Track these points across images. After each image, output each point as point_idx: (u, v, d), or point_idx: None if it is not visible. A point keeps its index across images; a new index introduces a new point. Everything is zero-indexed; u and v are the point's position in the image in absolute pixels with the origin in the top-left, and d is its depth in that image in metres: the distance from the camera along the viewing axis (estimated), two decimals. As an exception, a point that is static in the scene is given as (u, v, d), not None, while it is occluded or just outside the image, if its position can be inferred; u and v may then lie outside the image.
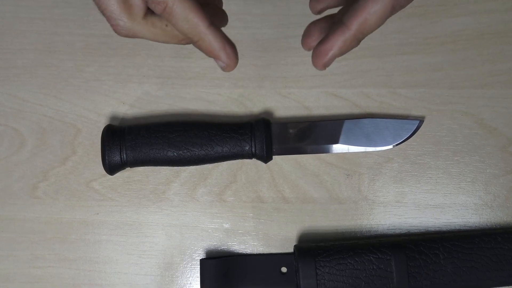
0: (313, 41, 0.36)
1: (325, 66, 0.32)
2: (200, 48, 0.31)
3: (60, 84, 0.48)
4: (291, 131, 0.45)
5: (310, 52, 0.46)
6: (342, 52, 0.31)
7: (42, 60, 0.48)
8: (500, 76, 0.47)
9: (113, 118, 0.48)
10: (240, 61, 0.46)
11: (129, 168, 0.45)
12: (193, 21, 0.30)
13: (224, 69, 0.32)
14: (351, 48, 0.32)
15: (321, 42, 0.32)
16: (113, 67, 0.48)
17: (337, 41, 0.31)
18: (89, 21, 0.49)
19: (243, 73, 0.48)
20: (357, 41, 0.31)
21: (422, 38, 0.48)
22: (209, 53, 0.31)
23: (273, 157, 0.45)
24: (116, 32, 0.31)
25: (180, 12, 0.29)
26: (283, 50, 0.48)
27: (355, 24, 0.30)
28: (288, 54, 0.48)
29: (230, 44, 0.31)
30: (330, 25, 0.36)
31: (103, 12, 0.31)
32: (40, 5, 0.49)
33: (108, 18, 0.31)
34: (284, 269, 0.44)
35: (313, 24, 0.37)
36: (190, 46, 0.47)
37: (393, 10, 0.31)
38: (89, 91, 0.48)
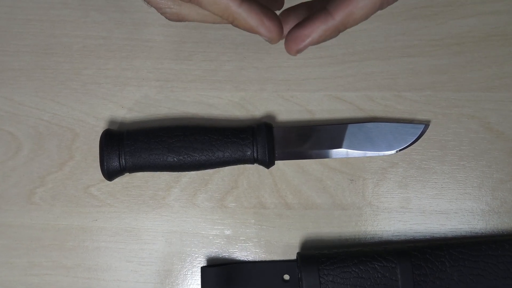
0: (287, 29, 0.33)
1: (299, 52, 0.30)
2: (238, 27, 0.30)
3: (57, 87, 0.47)
4: (293, 135, 0.44)
5: (313, 55, 0.46)
6: (319, 41, 0.30)
7: (38, 62, 0.47)
8: (507, 78, 0.46)
9: (112, 122, 0.47)
10: (241, 64, 0.47)
11: (128, 173, 0.44)
12: (222, 3, 0.29)
13: (269, 42, 0.31)
14: (329, 39, 0.30)
15: (299, 26, 0.30)
16: (111, 70, 0.47)
17: (318, 29, 0.29)
18: (87, 22, 0.47)
19: (244, 76, 0.47)
20: (337, 32, 0.30)
21: (427, 40, 0.47)
22: (248, 31, 0.30)
23: (275, 162, 0.44)
24: (167, 18, 0.32)
25: None
26: (285, 52, 0.45)
27: (340, 15, 0.29)
28: (290, 56, 0.46)
29: (269, 17, 0.29)
30: (309, 12, 0.34)
31: (149, 3, 0.31)
32: (37, 6, 0.48)
33: (156, 8, 0.31)
34: (286, 277, 0.43)
35: (288, 10, 0.35)
36: (189, 48, 0.47)
37: (381, 6, 0.29)
38: (87, 94, 0.47)
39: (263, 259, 0.45)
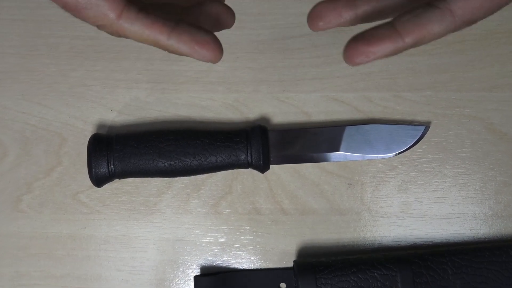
0: (326, 24, 0.31)
1: (359, 64, 0.29)
2: (172, 53, 0.30)
3: (43, 90, 0.45)
4: (289, 138, 0.43)
5: (309, 55, 0.45)
6: (383, 58, 0.29)
7: (24, 64, 0.46)
8: (510, 77, 0.45)
9: (100, 126, 0.45)
10: (234, 64, 0.45)
11: (117, 179, 0.43)
12: (150, 39, 0.28)
13: (209, 62, 0.30)
14: (390, 56, 0.29)
15: (364, 40, 0.28)
16: (99, 72, 0.46)
17: (385, 48, 0.28)
18: (74, 22, 0.44)
19: (238, 77, 0.45)
20: (401, 52, 0.28)
21: None
22: (183, 55, 0.29)
23: (271, 166, 0.43)
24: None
25: (133, 32, 0.28)
26: (280, 52, 0.45)
27: (411, 39, 0.27)
28: (286, 56, 0.45)
29: (200, 43, 0.28)
30: (352, 15, 0.31)
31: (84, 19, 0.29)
32: (22, 5, 0.46)
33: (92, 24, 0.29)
34: (283, 285, 0.42)
35: (326, 2, 0.32)
36: None
37: (455, 30, 0.28)
38: (75, 97, 0.45)
39: (259, 267, 0.44)
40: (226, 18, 0.34)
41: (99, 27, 0.28)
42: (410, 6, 0.29)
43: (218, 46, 0.29)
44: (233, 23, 0.34)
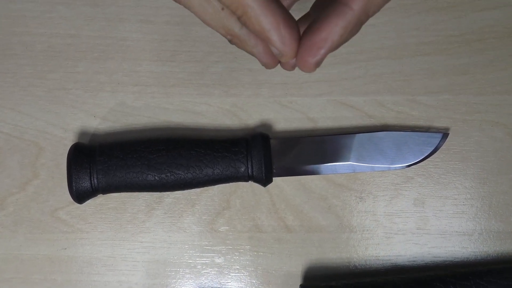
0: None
1: (318, 64, 0.25)
2: (246, 26, 0.24)
3: (18, 94, 0.42)
4: (293, 147, 0.40)
5: None
6: (340, 42, 0.24)
7: (-4, 65, 0.42)
8: (535, 79, 0.42)
9: (82, 134, 0.41)
10: (232, 65, 0.42)
11: (101, 194, 0.39)
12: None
13: (279, 58, 0.25)
14: (351, 37, 0.25)
15: (311, 31, 0.24)
16: (81, 73, 0.42)
17: (336, 27, 0.24)
18: (53, 18, 0.42)
19: (236, 79, 0.42)
20: (360, 25, 0.25)
21: (444, 36, 0.42)
22: (257, 33, 0.24)
23: (273, 179, 0.39)
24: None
25: None
26: None
27: (359, 2, 0.24)
28: None
29: (288, 24, 0.24)
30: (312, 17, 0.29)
31: None
32: (-6, -1, 0.42)
33: None
34: (288, 312, 0.38)
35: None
36: (171, 47, 0.42)
37: None
38: (53, 102, 0.42)
39: (261, 291, 0.40)
40: None
41: None
42: None
43: (297, 41, 0.24)
44: None
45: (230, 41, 0.27)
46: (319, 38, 0.24)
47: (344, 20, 0.24)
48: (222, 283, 0.40)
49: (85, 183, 0.38)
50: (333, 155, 0.40)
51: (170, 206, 0.41)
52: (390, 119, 0.41)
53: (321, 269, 0.40)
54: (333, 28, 0.24)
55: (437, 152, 0.40)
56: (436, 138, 0.40)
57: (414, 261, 0.40)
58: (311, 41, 0.24)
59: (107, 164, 0.38)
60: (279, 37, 0.24)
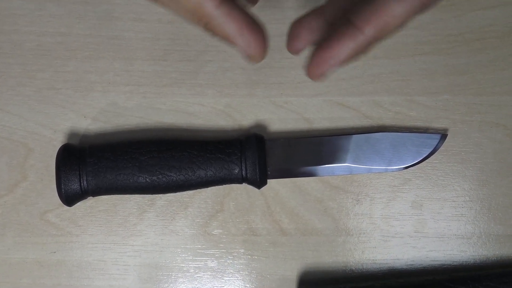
0: (302, 43, 0.30)
1: (323, 77, 0.27)
2: (211, 34, 0.26)
3: (6, 93, 0.41)
4: (288, 149, 0.39)
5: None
6: (349, 61, 0.26)
7: (-16, 64, 0.41)
8: (536, 80, 0.41)
9: (72, 135, 0.41)
10: (226, 64, 0.41)
11: (91, 197, 0.39)
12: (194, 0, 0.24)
13: (248, 60, 0.26)
14: (361, 56, 0.26)
15: (323, 47, 0.26)
16: (71, 73, 0.41)
17: (345, 48, 0.25)
18: (42, 16, 0.41)
19: (230, 79, 0.41)
20: (370, 48, 0.26)
21: (443, 35, 0.41)
22: (224, 39, 0.25)
23: (268, 181, 0.39)
24: None
25: None
26: (278, 51, 0.41)
27: (371, 28, 0.24)
28: (284, 56, 0.41)
29: (251, 27, 0.25)
30: (323, 24, 0.30)
31: None
32: (-18, -3, 0.41)
33: None
34: (283, 318, 0.37)
35: (299, 22, 0.31)
36: (164, 46, 0.41)
37: (422, 8, 0.25)
38: (42, 102, 0.41)
39: (255, 296, 0.40)
40: None
41: None
42: None
43: (264, 43, 0.26)
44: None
45: (205, 28, 0.27)
46: (328, 55, 0.25)
47: (354, 43, 0.25)
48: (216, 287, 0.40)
49: (75, 185, 0.37)
50: (329, 157, 0.39)
51: (162, 208, 0.40)
52: (388, 120, 0.41)
53: (317, 273, 0.40)
54: (342, 48, 0.25)
55: (435, 153, 0.40)
56: (435, 139, 0.40)
57: (411, 265, 0.40)
58: (321, 56, 0.26)
59: (97, 165, 0.37)
60: (245, 42, 0.25)
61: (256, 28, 0.25)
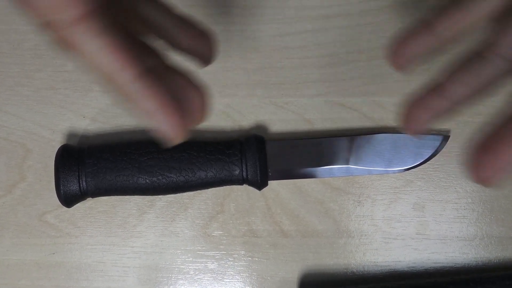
0: (422, 124, 0.28)
1: (498, 180, 0.25)
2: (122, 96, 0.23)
3: (4, 94, 0.41)
4: (289, 150, 0.39)
5: (312, 54, 0.40)
6: None
7: (-19, 64, 0.41)
8: (539, 80, 0.40)
9: (71, 135, 0.40)
10: (226, 65, 0.40)
11: (90, 198, 0.38)
12: (107, 68, 0.21)
13: (162, 142, 0.24)
14: None
15: (485, 149, 0.24)
16: (70, 72, 0.41)
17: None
18: None
19: (230, 79, 0.41)
20: None
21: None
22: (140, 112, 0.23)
23: (269, 182, 0.39)
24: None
25: (89, 49, 0.20)
26: (278, 51, 0.41)
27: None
28: (284, 56, 0.41)
29: (170, 107, 0.22)
30: (446, 104, 0.27)
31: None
32: (-21, -5, 0.41)
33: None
34: (283, 320, 0.37)
35: (417, 104, 0.28)
36: (163, 44, 0.41)
37: None
38: (41, 102, 0.41)
39: (255, 298, 0.39)
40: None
41: (45, 25, 0.20)
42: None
43: (183, 124, 0.23)
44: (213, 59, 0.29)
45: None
46: (496, 163, 0.24)
47: None
48: (216, 290, 0.39)
49: (74, 186, 0.37)
50: (330, 158, 0.39)
51: (162, 210, 0.40)
52: (390, 121, 0.41)
53: (318, 275, 0.40)
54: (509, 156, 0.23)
55: (437, 155, 0.39)
56: (437, 140, 0.39)
57: (413, 267, 0.40)
58: (488, 163, 0.24)
59: (97, 166, 0.37)
60: (159, 123, 0.22)
61: (175, 108, 0.23)
